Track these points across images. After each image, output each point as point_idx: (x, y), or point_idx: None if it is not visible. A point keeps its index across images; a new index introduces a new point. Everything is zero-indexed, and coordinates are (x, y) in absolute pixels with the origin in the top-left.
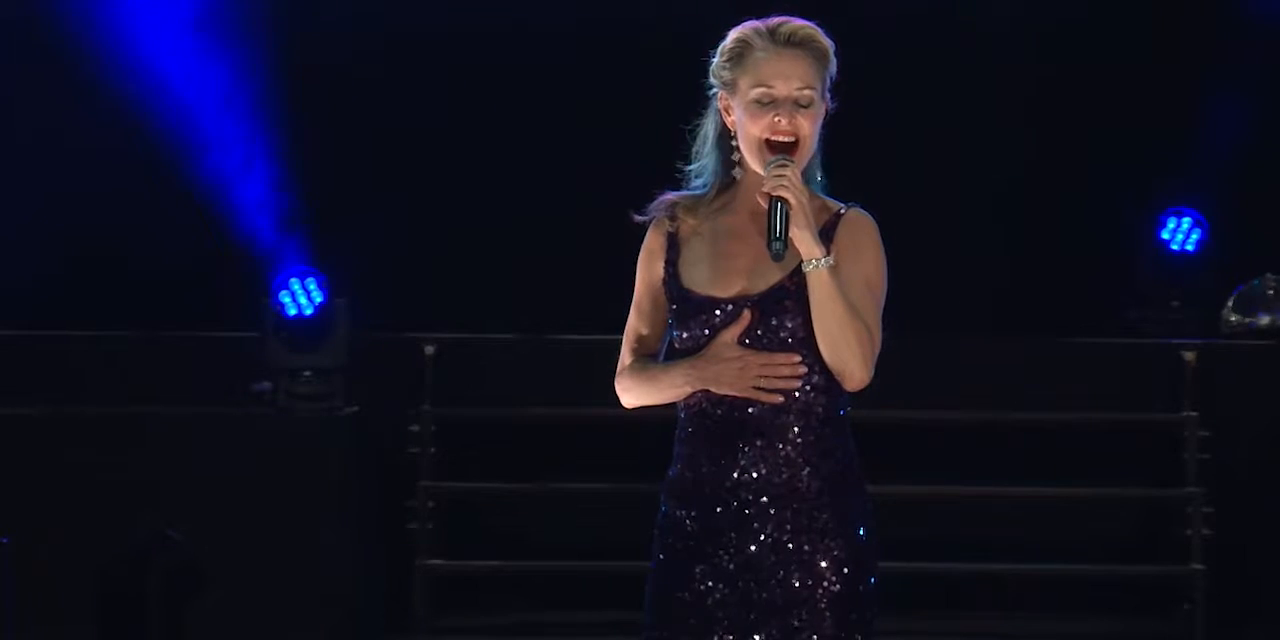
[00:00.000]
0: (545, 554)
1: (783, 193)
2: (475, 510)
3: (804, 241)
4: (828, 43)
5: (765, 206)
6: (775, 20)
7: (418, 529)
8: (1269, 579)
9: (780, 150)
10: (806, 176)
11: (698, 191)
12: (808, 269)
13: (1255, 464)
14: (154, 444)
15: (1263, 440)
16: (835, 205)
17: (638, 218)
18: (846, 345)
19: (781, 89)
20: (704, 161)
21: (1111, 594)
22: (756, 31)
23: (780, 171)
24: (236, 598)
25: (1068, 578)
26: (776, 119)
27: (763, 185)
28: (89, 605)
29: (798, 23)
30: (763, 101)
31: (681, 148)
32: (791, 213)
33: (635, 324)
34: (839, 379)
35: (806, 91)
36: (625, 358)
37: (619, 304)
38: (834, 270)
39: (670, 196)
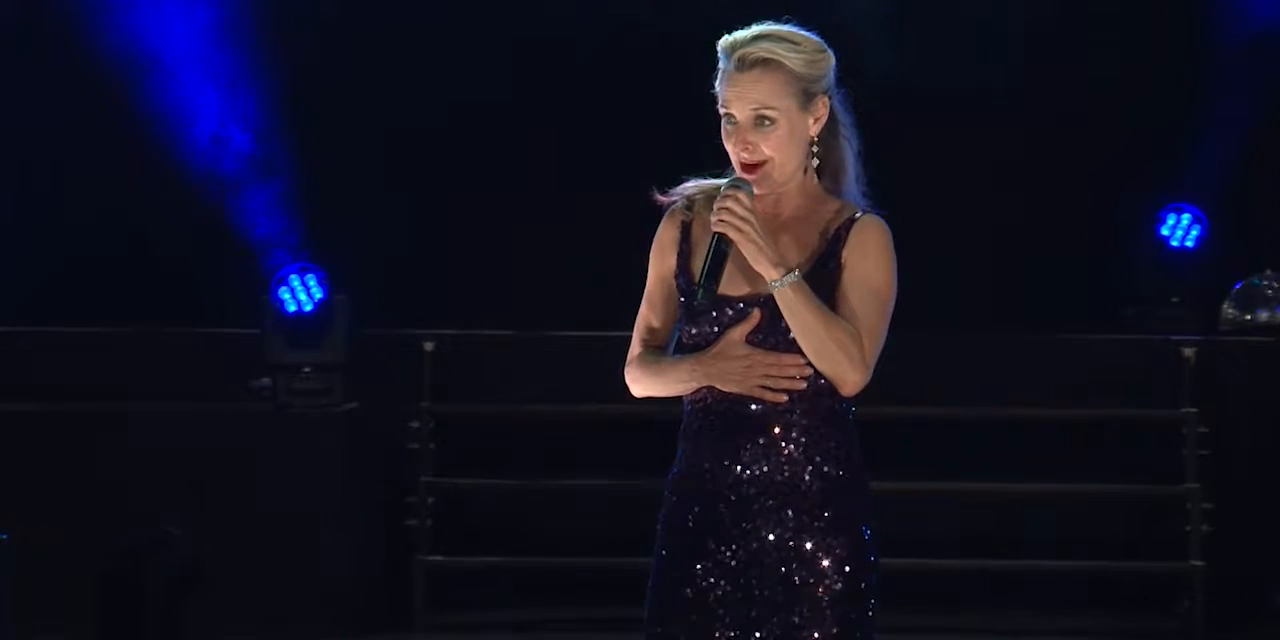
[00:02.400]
0: (545, 550)
1: (720, 229)
2: (474, 506)
3: (760, 264)
4: (794, 57)
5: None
6: (741, 37)
7: (417, 525)
8: (1268, 575)
9: (749, 169)
10: (837, 183)
11: (720, 181)
12: (771, 289)
13: (1255, 460)
14: (153, 440)
15: (1262, 436)
16: (854, 209)
17: (658, 198)
18: (829, 354)
19: (738, 112)
20: None
21: (1111, 590)
22: (724, 49)
23: (724, 204)
24: (236, 593)
25: (1067, 574)
26: (736, 145)
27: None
28: (88, 601)
29: (755, 45)
30: (726, 125)
31: (679, 146)
32: (737, 245)
33: (646, 315)
34: (835, 385)
35: (766, 111)
36: (635, 347)
37: (618, 300)
38: (799, 285)
39: (691, 186)
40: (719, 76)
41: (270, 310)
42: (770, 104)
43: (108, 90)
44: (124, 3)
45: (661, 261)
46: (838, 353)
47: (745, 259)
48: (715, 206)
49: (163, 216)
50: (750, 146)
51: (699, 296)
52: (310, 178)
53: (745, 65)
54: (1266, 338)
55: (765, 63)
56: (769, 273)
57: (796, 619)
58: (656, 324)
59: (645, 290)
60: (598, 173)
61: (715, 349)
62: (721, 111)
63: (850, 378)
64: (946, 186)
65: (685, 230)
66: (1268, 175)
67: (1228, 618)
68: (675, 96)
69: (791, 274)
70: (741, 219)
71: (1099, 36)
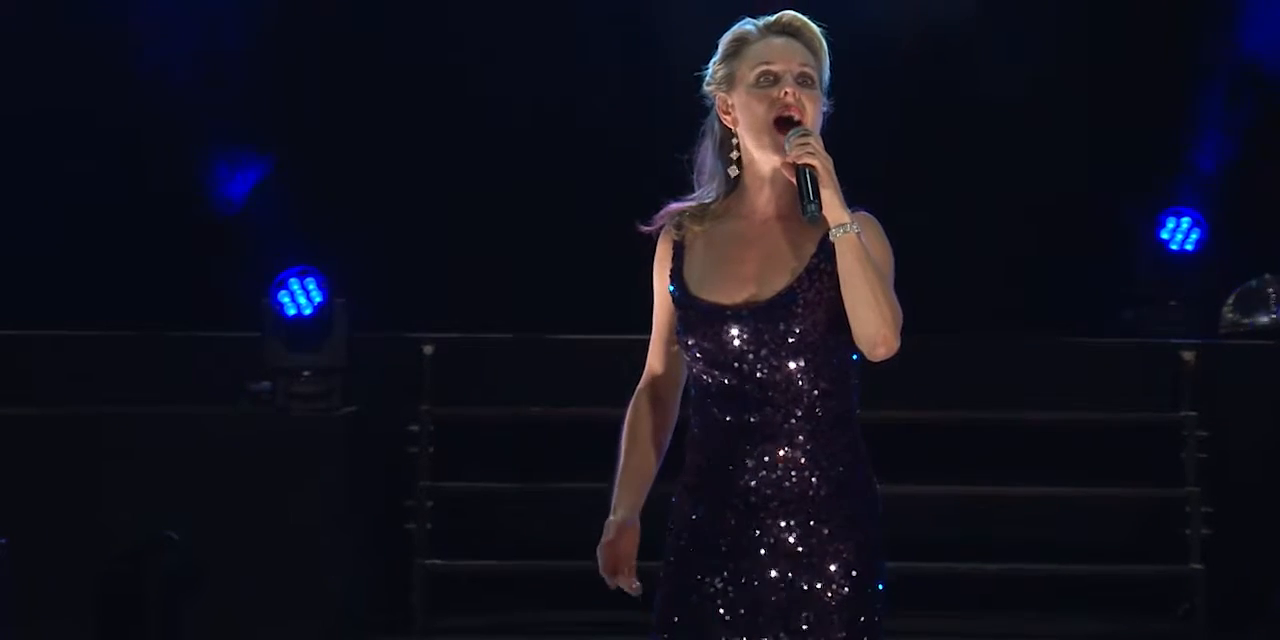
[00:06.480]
0: (544, 554)
1: (808, 160)
2: (474, 510)
3: (833, 206)
4: (824, 40)
5: (793, 179)
6: (777, 13)
7: (416, 529)
8: (1268, 578)
9: (788, 127)
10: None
11: (703, 200)
12: (837, 235)
13: (1254, 463)
14: (153, 443)
15: (1261, 440)
16: None
17: (643, 228)
18: (878, 308)
19: (781, 66)
20: (705, 177)
21: (1111, 593)
22: (752, 25)
23: (803, 141)
24: (235, 597)
25: (1067, 577)
26: (783, 92)
27: (786, 157)
28: (88, 605)
29: (792, 13)
30: (764, 81)
31: (678, 148)
32: (820, 178)
33: (655, 349)
34: (870, 348)
35: (808, 70)
36: (643, 379)
37: (616, 304)
38: (860, 237)
39: (675, 206)
40: (737, 54)
41: (270, 314)
42: (813, 65)
43: (110, 93)
44: (126, 13)
45: (662, 282)
46: (886, 308)
47: (740, 265)
48: (791, 145)
49: (163, 220)
50: (796, 98)
51: (808, 214)
52: (310, 181)
53: (791, 30)
54: (1266, 341)
55: (807, 32)
56: (840, 216)
57: (804, 625)
58: (660, 369)
59: (654, 323)
60: (597, 175)
61: (608, 537)
62: (750, 77)
63: (890, 338)
64: (947, 190)
65: (677, 247)
66: (1267, 179)
67: (1228, 620)
68: (673, 101)
69: (855, 222)
70: (824, 155)
71: (1099, 40)
